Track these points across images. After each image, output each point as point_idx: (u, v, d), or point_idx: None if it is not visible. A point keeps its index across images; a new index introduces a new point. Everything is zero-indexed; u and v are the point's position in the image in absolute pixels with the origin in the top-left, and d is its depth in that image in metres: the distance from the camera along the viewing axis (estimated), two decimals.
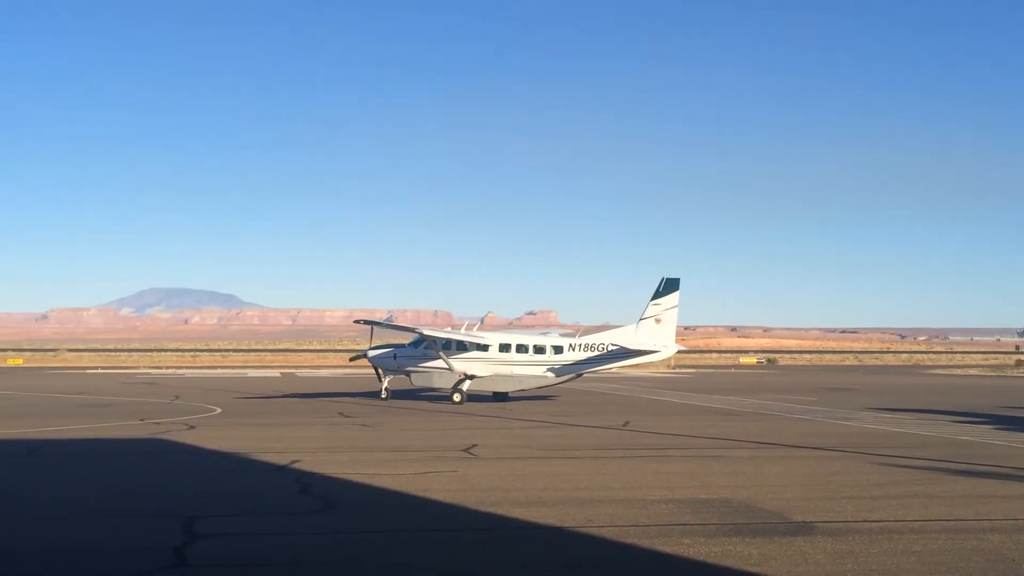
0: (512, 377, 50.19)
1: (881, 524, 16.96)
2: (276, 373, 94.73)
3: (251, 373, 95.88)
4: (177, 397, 54.83)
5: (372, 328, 53.56)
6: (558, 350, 49.89)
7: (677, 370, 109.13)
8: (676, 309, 49.84)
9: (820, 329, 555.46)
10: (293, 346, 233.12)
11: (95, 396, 56.35)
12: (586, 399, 55.56)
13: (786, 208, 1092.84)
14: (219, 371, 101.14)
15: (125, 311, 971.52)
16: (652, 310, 49.73)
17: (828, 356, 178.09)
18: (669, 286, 49.89)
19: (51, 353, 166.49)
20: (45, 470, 24.83)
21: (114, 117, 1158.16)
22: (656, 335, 49.53)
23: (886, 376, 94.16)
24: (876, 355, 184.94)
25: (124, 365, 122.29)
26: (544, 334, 54.49)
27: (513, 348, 50.25)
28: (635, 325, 50.28)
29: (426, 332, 51.76)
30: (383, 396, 51.11)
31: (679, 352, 57.10)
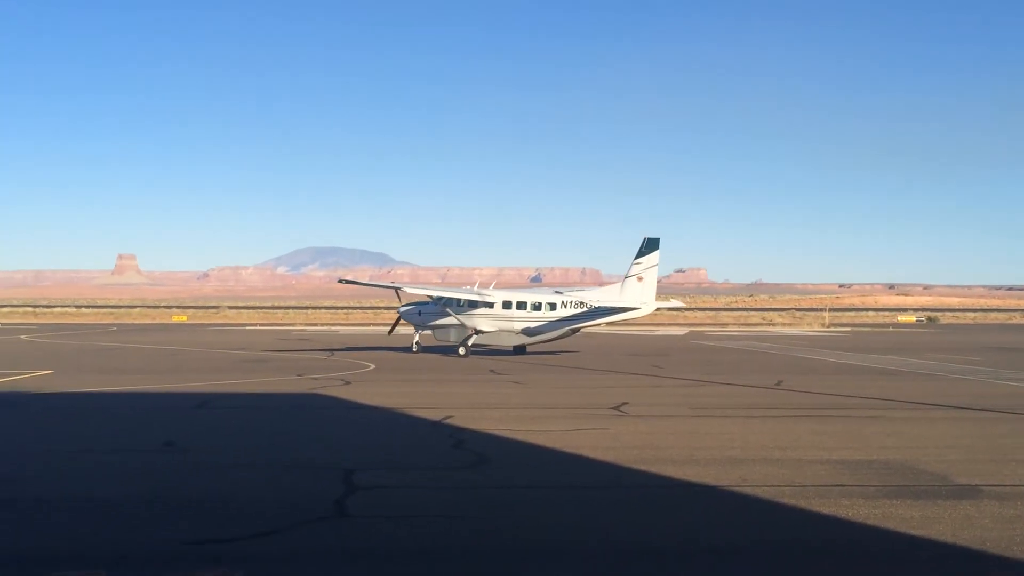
0: (513, 332, 53.53)
1: None
2: None
3: (403, 330, 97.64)
4: (332, 353, 56.28)
5: (397, 290, 56.15)
6: (552, 307, 53.12)
7: (832, 329, 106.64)
8: (656, 268, 52.46)
9: (985, 286, 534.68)
10: None
11: (255, 352, 58.35)
12: (737, 358, 54.88)
13: (949, 164, 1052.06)
14: (371, 328, 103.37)
15: (281, 269, 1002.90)
16: (635, 269, 52.54)
17: (993, 314, 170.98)
18: (650, 245, 52.45)
19: (213, 310, 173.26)
20: (213, 423, 25.87)
21: (269, 83, 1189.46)
22: (639, 293, 52.44)
23: None
24: None
25: (281, 322, 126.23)
26: (558, 292, 55.79)
27: (514, 305, 53.56)
28: (620, 284, 53.42)
29: (408, 290, 56.85)
30: (414, 350, 55.49)
31: (658, 309, 58.74)
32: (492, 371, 43.33)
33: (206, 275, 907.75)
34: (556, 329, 53.38)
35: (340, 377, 39.26)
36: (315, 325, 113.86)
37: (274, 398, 31.78)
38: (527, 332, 53.59)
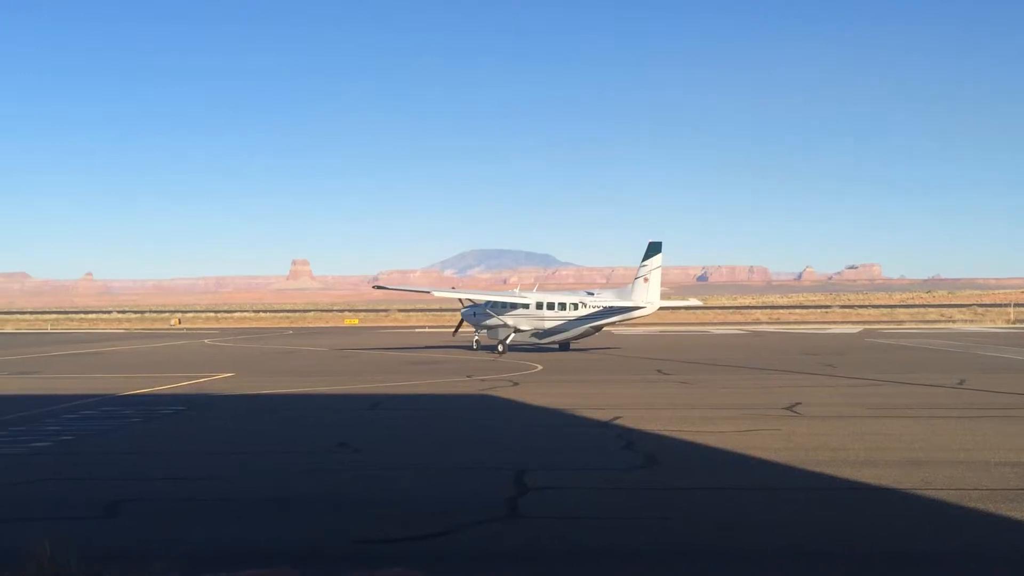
0: (544, 330, 58.16)
1: None
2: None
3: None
4: (500, 354, 56.79)
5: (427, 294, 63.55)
6: (575, 307, 58.18)
7: (1018, 325, 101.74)
8: (660, 269, 56.80)
9: None
10: None
11: (425, 353, 59.42)
12: (915, 356, 52.98)
13: None
14: None
15: (448, 272, 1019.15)
16: (641, 271, 57.08)
17: None
18: (653, 249, 56.67)
19: (383, 313, 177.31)
20: (385, 424, 26.41)
21: (441, 93, 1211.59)
22: (644, 293, 56.83)
23: None
24: None
25: (448, 324, 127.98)
26: (590, 293, 60.35)
27: (545, 306, 58.54)
28: (631, 285, 58.11)
29: (437, 294, 65.63)
30: (474, 348, 60.48)
31: (664, 307, 64.16)
32: (659, 371, 42.98)
33: (375, 279, 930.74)
34: (579, 327, 58.13)
35: (508, 378, 39.58)
36: None
37: (444, 399, 32.24)
38: (555, 331, 58.22)
